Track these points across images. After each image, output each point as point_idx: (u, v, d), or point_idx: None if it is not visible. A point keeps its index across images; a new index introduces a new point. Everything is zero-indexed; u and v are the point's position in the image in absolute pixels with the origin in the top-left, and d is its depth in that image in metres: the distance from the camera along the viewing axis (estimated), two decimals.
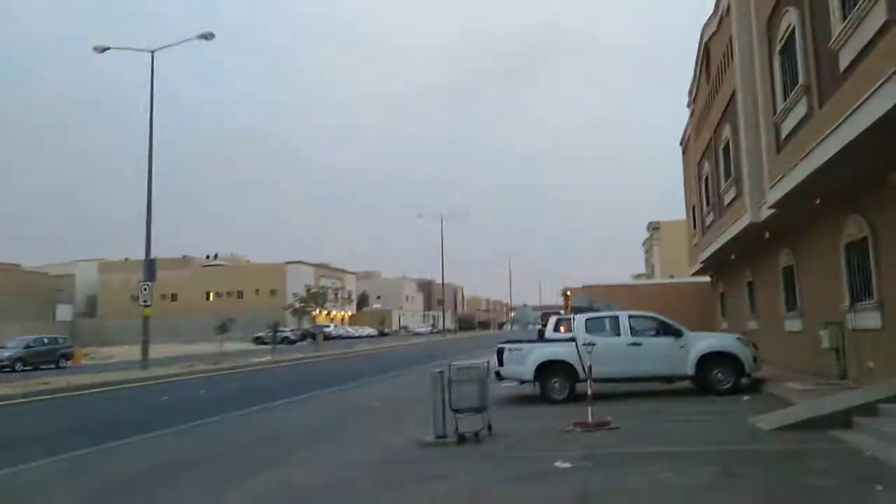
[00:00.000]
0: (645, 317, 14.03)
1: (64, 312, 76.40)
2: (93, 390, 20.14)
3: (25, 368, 31.53)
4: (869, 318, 11.37)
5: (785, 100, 12.53)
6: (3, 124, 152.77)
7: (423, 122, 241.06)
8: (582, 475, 6.95)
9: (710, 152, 22.73)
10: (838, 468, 6.74)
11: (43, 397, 18.33)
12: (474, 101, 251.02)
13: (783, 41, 12.53)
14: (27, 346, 33.06)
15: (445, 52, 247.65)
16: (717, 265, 26.80)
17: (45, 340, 34.70)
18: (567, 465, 7.36)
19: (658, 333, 13.44)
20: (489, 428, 9.45)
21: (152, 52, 27.83)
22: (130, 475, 8.35)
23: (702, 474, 6.75)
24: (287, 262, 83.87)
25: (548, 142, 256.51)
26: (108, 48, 27.97)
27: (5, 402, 17.19)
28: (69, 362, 34.50)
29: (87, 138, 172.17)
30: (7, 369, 30.77)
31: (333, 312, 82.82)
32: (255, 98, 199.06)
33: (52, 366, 33.07)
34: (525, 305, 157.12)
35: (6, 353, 32.00)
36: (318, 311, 55.40)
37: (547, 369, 13.25)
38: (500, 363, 13.57)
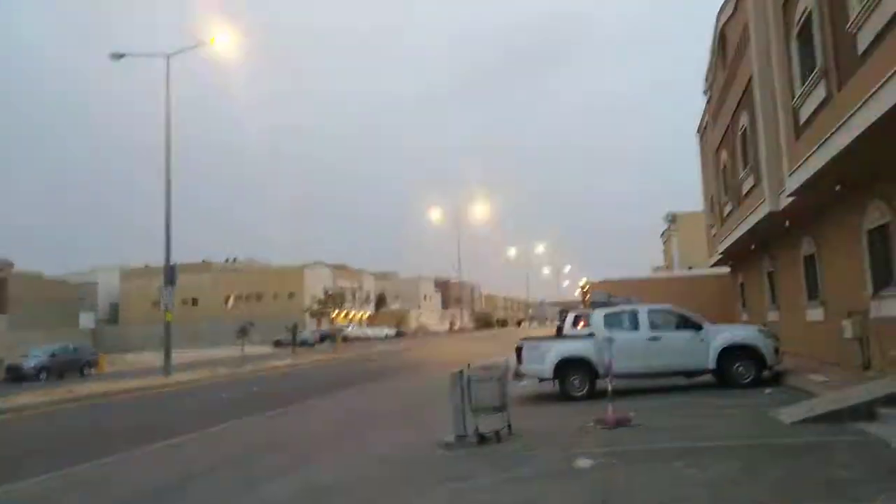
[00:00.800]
0: (664, 310, 13.88)
1: (87, 320, 77.14)
2: (118, 397, 20.37)
3: (51, 377, 31.92)
4: (893, 307, 11.13)
5: (803, 84, 12.31)
6: (23, 135, 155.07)
7: (436, 121, 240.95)
8: (604, 473, 6.88)
9: (728, 140, 22.44)
10: (863, 460, 6.61)
11: (68, 405, 18.56)
12: (487, 98, 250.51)
13: (800, 25, 12.32)
14: (52, 355, 33.45)
15: (456, 49, 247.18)
16: (737, 256, 26.46)
17: (70, 348, 35.08)
18: (589, 462, 7.29)
19: (678, 327, 13.30)
20: (509, 427, 9.40)
21: (167, 56, 28.06)
22: (155, 482, 8.41)
23: (726, 469, 6.65)
24: (305, 265, 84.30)
25: (562, 135, 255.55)
26: (124, 55, 28.26)
27: (31, 411, 17.44)
28: (94, 370, 34.87)
29: (106, 145, 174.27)
30: (33, 378, 31.17)
31: (352, 313, 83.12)
32: (269, 102, 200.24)
33: (77, 374, 33.44)
34: (542, 302, 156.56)
35: (31, 363, 32.39)
36: (336, 313, 55.60)
37: (566, 366, 13.16)
38: (520, 361, 13.50)
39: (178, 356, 33.01)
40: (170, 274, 27.47)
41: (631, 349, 12.79)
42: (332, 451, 9.74)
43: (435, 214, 75.45)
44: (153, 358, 44.99)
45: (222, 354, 47.79)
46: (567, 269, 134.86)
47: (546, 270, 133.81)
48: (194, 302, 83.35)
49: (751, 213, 18.38)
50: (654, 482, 6.38)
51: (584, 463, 7.29)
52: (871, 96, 8.68)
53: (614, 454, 7.64)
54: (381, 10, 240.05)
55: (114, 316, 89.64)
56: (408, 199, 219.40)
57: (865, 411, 8.44)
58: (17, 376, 31.22)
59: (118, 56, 28.24)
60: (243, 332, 50.09)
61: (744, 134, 19.24)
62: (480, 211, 75.97)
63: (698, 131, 33.32)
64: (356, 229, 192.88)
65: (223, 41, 28.26)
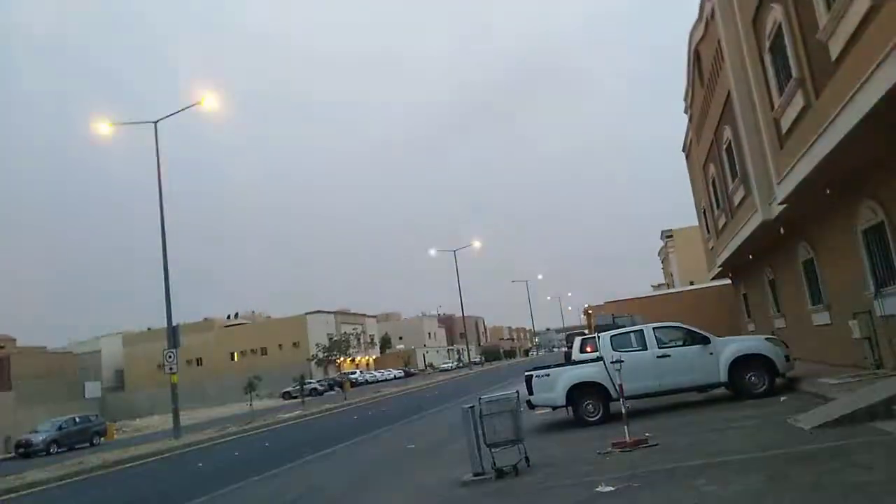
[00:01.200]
0: (670, 327, 13.87)
1: (93, 389, 76.50)
2: (128, 465, 20.14)
3: (60, 450, 31.62)
4: None
5: (781, 95, 12.56)
6: (17, 206, 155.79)
7: (431, 157, 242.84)
8: (626, 497, 6.82)
9: (714, 155, 22.71)
10: (886, 460, 6.58)
11: (80, 478, 18.33)
12: (480, 130, 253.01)
13: (771, 38, 12.61)
14: (60, 428, 33.19)
15: (448, 84, 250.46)
16: (736, 267, 26.55)
17: (77, 420, 34.83)
18: (610, 488, 7.23)
19: (685, 343, 13.28)
20: (527, 459, 9.33)
21: (155, 123, 28.47)
22: None
23: (748, 482, 6.61)
24: (307, 313, 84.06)
25: (555, 162, 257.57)
26: (113, 124, 28.69)
27: (43, 487, 17.21)
28: (103, 439, 34.59)
29: (101, 212, 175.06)
30: (42, 453, 30.87)
31: (358, 358, 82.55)
32: (258, 154, 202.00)
33: (87, 444, 33.15)
34: (548, 329, 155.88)
35: (40, 437, 32.14)
36: (342, 359, 55.27)
37: (578, 392, 13.10)
38: (530, 391, 13.43)
39: (186, 416, 32.74)
40: (173, 336, 27.40)
41: (641, 369, 12.75)
42: (351, 499, 9.64)
43: (433, 250, 75.55)
44: (161, 421, 44.58)
45: (231, 411, 47.36)
46: (569, 294, 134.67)
47: (549, 298, 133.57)
48: (199, 361, 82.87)
49: (744, 224, 18.53)
50: (679, 503, 6.33)
51: (605, 489, 7.23)
52: (849, 100, 8.87)
53: (635, 477, 7.58)
54: (369, 49, 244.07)
55: (119, 382, 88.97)
56: (404, 238, 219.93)
57: (883, 410, 8.41)
58: (27, 452, 30.92)
59: (107, 125, 28.68)
60: (250, 387, 49.83)
61: (728, 147, 19.50)
62: (478, 245, 76.18)
63: (684, 149, 33.70)
64: (353, 275, 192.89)
65: (210, 102, 28.66)
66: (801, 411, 9.89)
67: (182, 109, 28.85)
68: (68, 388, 71.46)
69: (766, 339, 13.52)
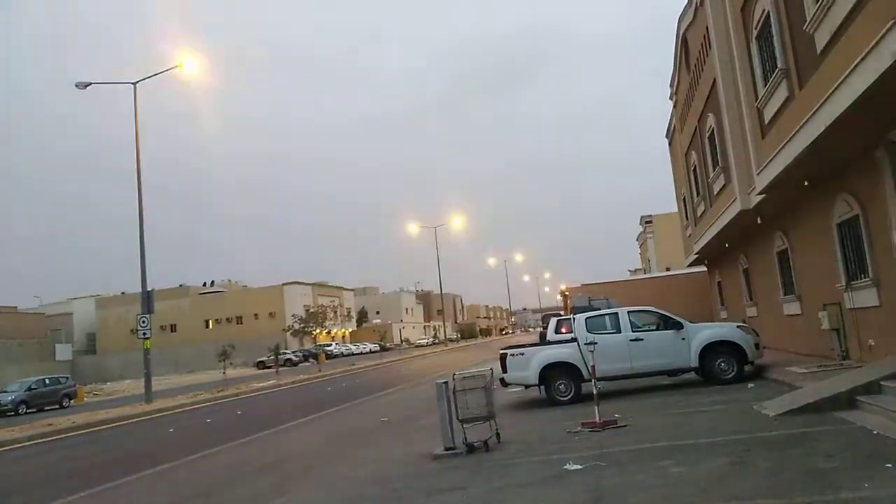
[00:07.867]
0: (644, 311, 14.04)
1: (63, 352, 75.86)
2: (98, 428, 20.02)
3: (30, 411, 31.35)
4: (866, 297, 11.40)
5: (765, 85, 12.60)
6: None
7: (414, 136, 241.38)
8: (593, 476, 6.93)
9: (696, 142, 22.81)
10: (847, 449, 6.74)
11: (48, 439, 18.20)
12: (462, 112, 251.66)
13: (759, 27, 12.62)
14: (29, 389, 32.87)
15: (429, 69, 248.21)
16: (713, 255, 26.85)
17: (47, 381, 34.50)
18: (578, 466, 7.35)
19: (659, 327, 13.45)
20: (498, 435, 9.43)
21: (134, 84, 27.86)
22: None
23: (712, 465, 6.74)
24: (284, 284, 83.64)
25: (537, 145, 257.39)
26: (90, 83, 28.01)
27: (10, 447, 17.07)
28: (73, 401, 34.32)
29: (76, 176, 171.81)
30: (10, 413, 30.58)
31: (334, 330, 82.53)
32: (237, 126, 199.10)
33: (56, 406, 32.90)
34: (524, 309, 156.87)
35: (8, 397, 31.81)
36: (318, 331, 55.18)
37: (551, 372, 13.23)
38: (504, 369, 13.54)
39: (158, 382, 32.55)
40: (147, 301, 27.09)
41: (614, 351, 12.91)
42: (322, 468, 9.68)
43: (412, 229, 75.48)
44: (133, 386, 44.34)
45: (204, 379, 47.20)
46: (547, 275, 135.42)
47: (526, 278, 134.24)
48: (173, 328, 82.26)
49: (723, 213, 18.70)
50: (644, 482, 6.44)
51: (573, 467, 7.34)
52: (832, 93, 8.92)
53: (603, 456, 7.70)
54: (348, 33, 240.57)
55: (91, 346, 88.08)
56: (384, 217, 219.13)
57: (846, 400, 8.62)
58: None
59: (84, 85, 27.98)
60: (224, 356, 49.62)
61: (711, 135, 19.58)
62: (459, 223, 76.33)
63: (667, 135, 33.82)
64: (331, 248, 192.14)
65: (190, 66, 28.05)
66: (767, 398, 10.10)
67: (163, 71, 28.26)
68: (39, 349, 70.75)
69: (738, 326, 13.74)
